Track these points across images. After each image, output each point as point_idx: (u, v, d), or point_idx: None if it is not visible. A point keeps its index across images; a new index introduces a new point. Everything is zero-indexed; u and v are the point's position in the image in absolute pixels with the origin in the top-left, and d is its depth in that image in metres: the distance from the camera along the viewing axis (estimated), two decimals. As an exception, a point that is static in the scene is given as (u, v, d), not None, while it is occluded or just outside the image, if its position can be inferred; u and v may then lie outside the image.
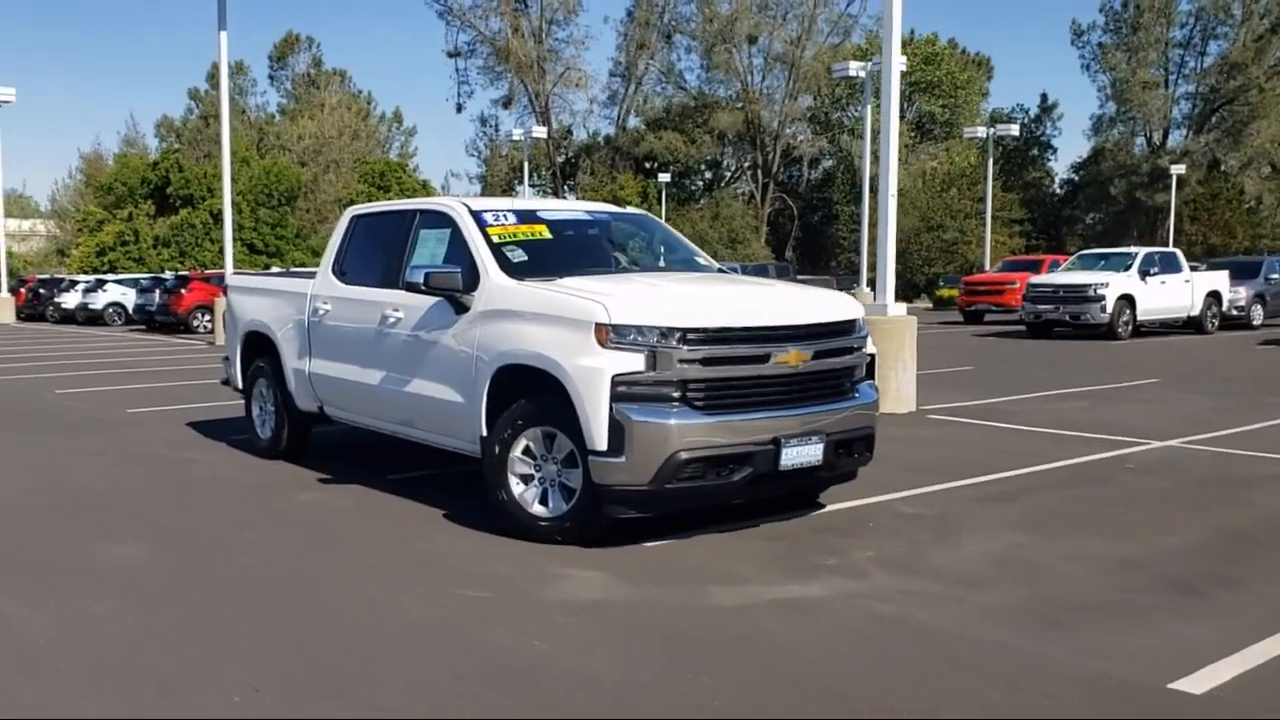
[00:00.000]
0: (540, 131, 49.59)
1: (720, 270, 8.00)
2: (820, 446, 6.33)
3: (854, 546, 6.33)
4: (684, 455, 5.90)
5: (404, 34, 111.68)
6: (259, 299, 9.52)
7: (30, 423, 11.84)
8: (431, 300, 7.19)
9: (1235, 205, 61.58)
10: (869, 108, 35.89)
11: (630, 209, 8.63)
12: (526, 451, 6.48)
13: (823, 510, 7.18)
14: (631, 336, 5.95)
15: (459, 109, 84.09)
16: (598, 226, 8.14)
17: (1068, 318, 24.56)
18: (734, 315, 6.19)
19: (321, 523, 7.07)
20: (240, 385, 9.88)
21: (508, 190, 72.37)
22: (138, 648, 4.77)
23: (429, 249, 7.66)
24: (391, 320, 7.62)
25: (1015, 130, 52.06)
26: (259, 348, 9.54)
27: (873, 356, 6.96)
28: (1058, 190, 73.73)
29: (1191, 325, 26.12)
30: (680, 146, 66.32)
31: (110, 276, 41.62)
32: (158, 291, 32.01)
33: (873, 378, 6.96)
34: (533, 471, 6.48)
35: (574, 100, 71.74)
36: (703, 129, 67.06)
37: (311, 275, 9.07)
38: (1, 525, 7.09)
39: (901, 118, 66.49)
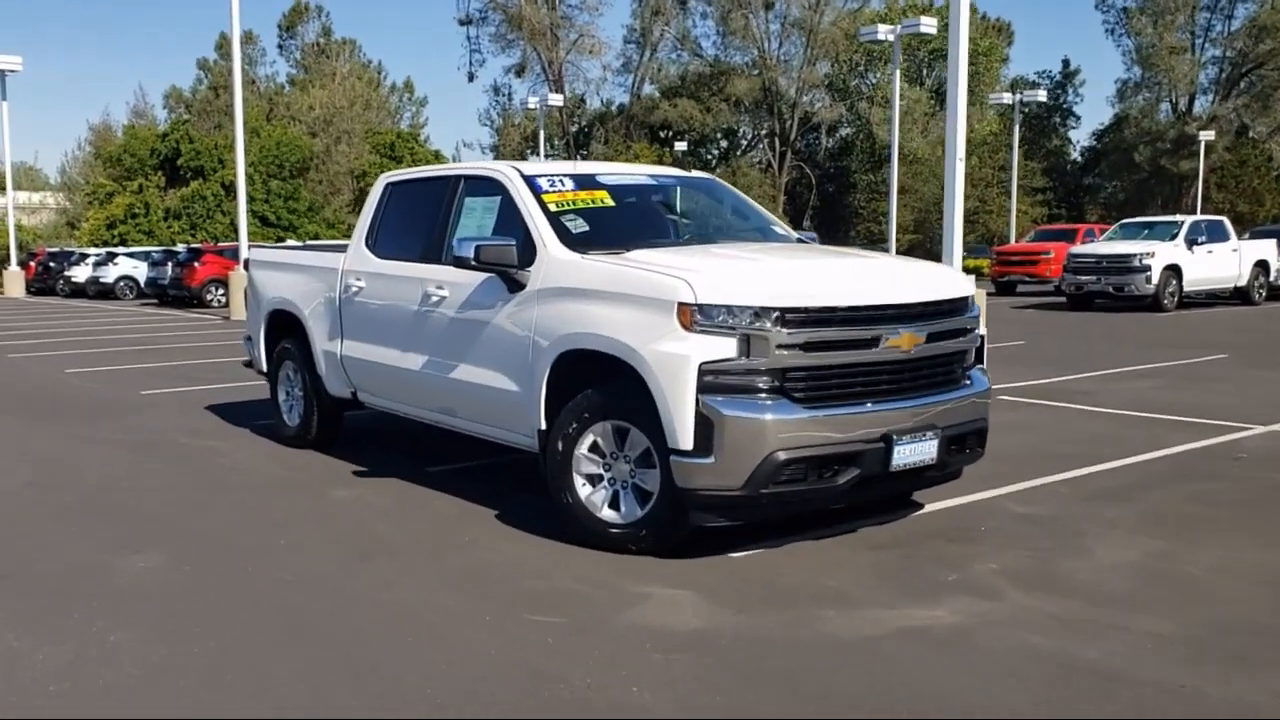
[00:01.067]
0: (556, 99, 48.57)
1: (800, 240, 7.20)
2: (934, 443, 5.54)
3: (972, 557, 5.56)
4: (782, 455, 5.12)
5: (414, 2, 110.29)
6: (284, 275, 8.74)
7: (39, 406, 11.11)
8: (480, 277, 6.41)
9: (1264, 172, 60.37)
10: (897, 72, 34.94)
11: (696, 173, 7.81)
12: (594, 449, 5.72)
13: (922, 511, 6.41)
14: (720, 318, 5.16)
15: (471, 78, 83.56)
16: (663, 192, 7.32)
17: (1111, 289, 23.66)
18: (838, 293, 5.39)
19: (362, 526, 6.32)
20: (264, 368, 9.13)
21: (521, 160, 71.39)
22: (162, 690, 4.02)
23: (475, 219, 6.88)
24: (434, 299, 6.84)
25: (1042, 96, 50.93)
26: (285, 328, 8.78)
27: (983, 338, 6.16)
28: (1078, 158, 72.48)
29: (1238, 296, 25.21)
30: (696, 115, 65.28)
31: (121, 249, 40.92)
32: (170, 265, 31.29)
33: (982, 361, 6.16)
34: (601, 471, 5.72)
35: (588, 68, 70.86)
36: (719, 97, 65.97)
37: (341, 249, 8.30)
38: (7, 529, 6.36)
39: (920, 84, 65.73)
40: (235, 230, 51.67)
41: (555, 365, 5.86)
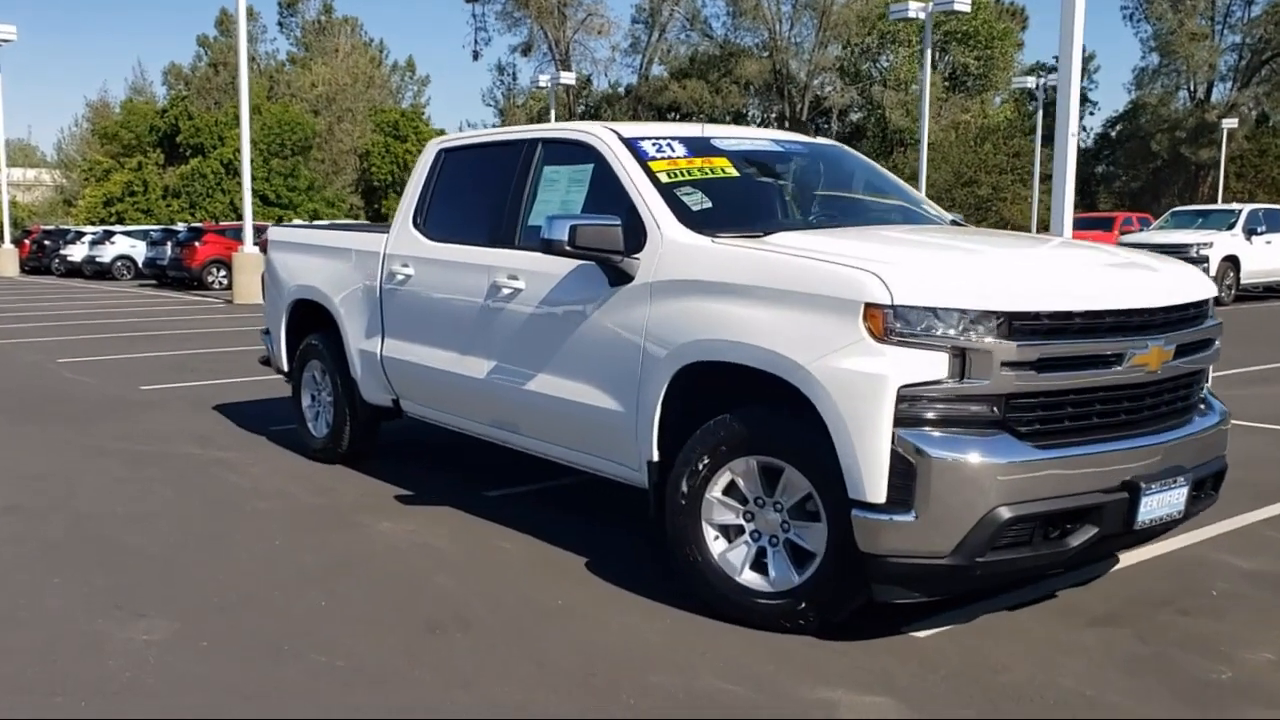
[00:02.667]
0: (568, 77, 47.03)
1: (955, 223, 5.88)
2: (1184, 489, 4.23)
3: (1229, 639, 4.25)
4: (1006, 511, 3.82)
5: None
6: (312, 259, 7.40)
7: (25, 405, 9.78)
8: (570, 265, 5.10)
9: (1284, 161, 59.03)
10: (928, 51, 33.55)
11: (821, 139, 6.47)
12: (731, 492, 4.41)
13: (1120, 565, 5.10)
14: (925, 325, 3.85)
15: (475, 56, 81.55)
16: (792, 161, 5.97)
17: (1166, 280, 22.30)
18: (1074, 293, 4.06)
19: (420, 578, 5.01)
20: (285, 367, 7.81)
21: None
22: None
23: (557, 194, 5.56)
24: (506, 291, 5.53)
25: (1067, 80, 49.43)
26: (311, 321, 7.46)
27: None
28: (1090, 145, 71.03)
29: (1296, 289, 23.96)
30: (705, 96, 63.83)
31: (118, 228, 39.53)
32: (169, 244, 29.83)
33: (1209, 380, 4.85)
34: (741, 522, 4.41)
35: (595, 48, 69.74)
36: (728, 78, 64.58)
37: (382, 229, 6.98)
38: (-28, 577, 5.06)
39: (934, 68, 64.17)
40: (235, 209, 50.73)
41: (675, 381, 4.56)
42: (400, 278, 6.41)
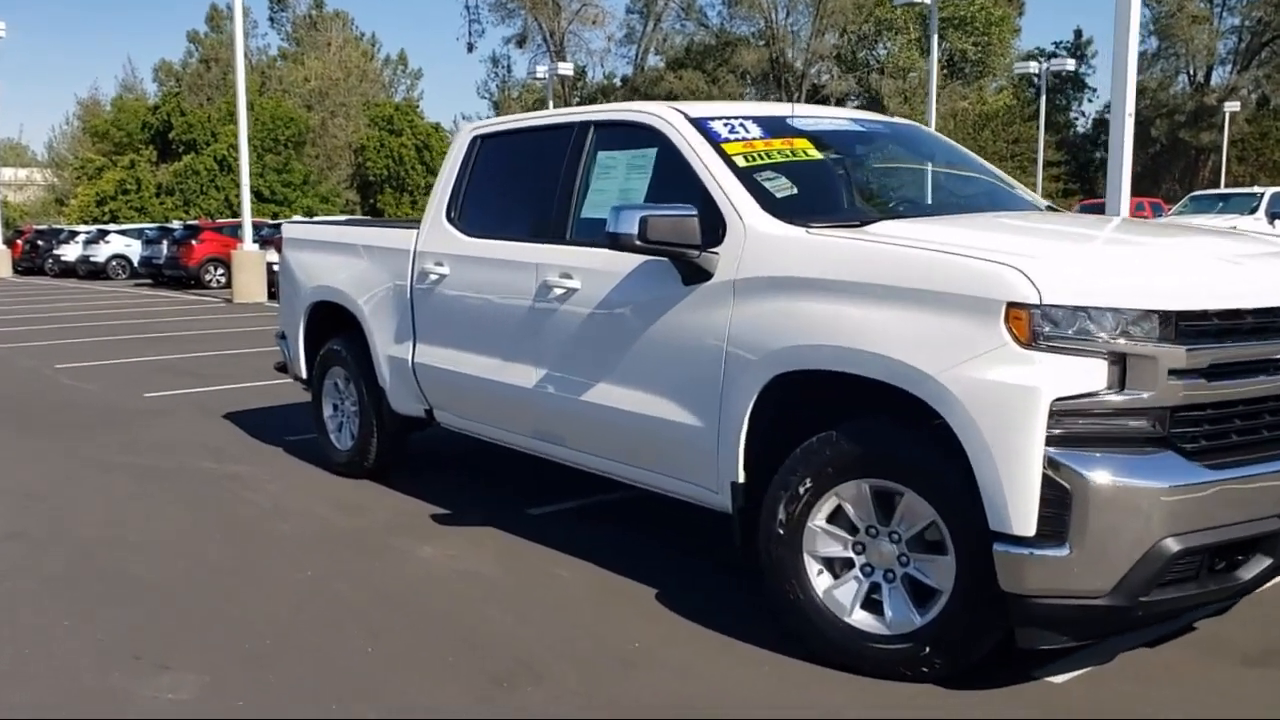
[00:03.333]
0: (566, 68, 46.40)
1: (1051, 208, 5.33)
2: (1361, 512, 3.71)
3: None
4: (1175, 544, 3.29)
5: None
6: (333, 257, 6.85)
7: (22, 416, 9.22)
8: (634, 262, 4.56)
9: (1285, 144, 58.58)
10: (934, 38, 33.04)
11: (899, 118, 5.92)
12: (837, 519, 3.87)
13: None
14: (1077, 328, 3.31)
15: (470, 48, 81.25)
16: (874, 142, 5.41)
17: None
18: (1240, 289, 3.53)
19: (473, 614, 4.46)
20: (304, 374, 7.26)
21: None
22: None
23: (614, 182, 5.01)
24: (558, 291, 4.98)
25: (1071, 65, 48.94)
26: (333, 324, 6.91)
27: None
28: (1088, 130, 70.43)
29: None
30: (702, 86, 63.17)
31: (113, 227, 38.86)
32: (165, 243, 29.20)
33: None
34: (850, 554, 3.87)
35: (590, 38, 68.88)
36: (725, 68, 64.05)
37: (411, 225, 6.42)
38: (-29, 620, 4.51)
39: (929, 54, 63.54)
40: (230, 206, 50.05)
41: (765, 392, 4.02)
42: (434, 277, 5.86)
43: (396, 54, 71.99)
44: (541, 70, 46.20)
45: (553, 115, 5.67)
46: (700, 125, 4.70)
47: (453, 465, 7.12)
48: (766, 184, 4.43)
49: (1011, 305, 3.33)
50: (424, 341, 6.01)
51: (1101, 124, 70.20)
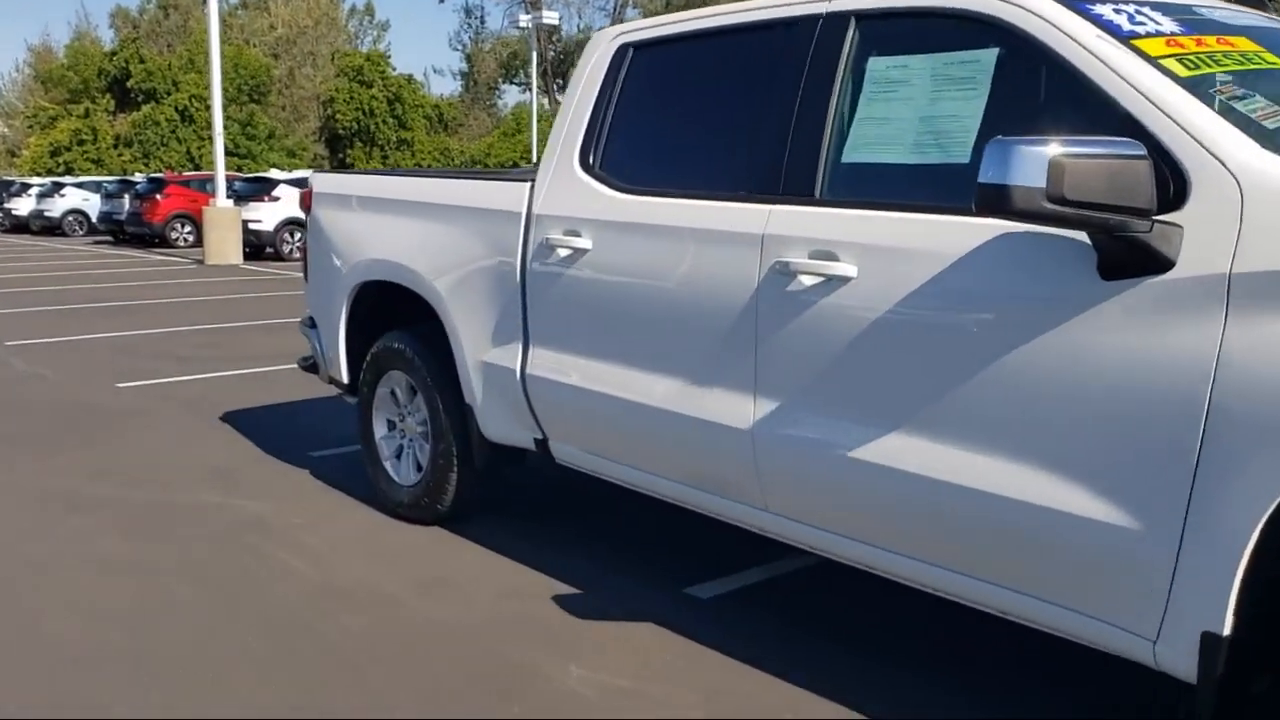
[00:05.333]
0: (551, 17, 43.89)
1: None
2: None
3: None
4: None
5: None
6: (394, 220, 4.90)
7: (-38, 416, 7.24)
8: (980, 236, 2.73)
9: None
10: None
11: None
12: None
13: None
14: None
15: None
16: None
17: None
18: None
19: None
20: (345, 378, 5.34)
21: (493, 91, 66.61)
22: None
23: (911, 108, 3.09)
24: (811, 281, 3.10)
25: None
26: (389, 313, 5.01)
27: None
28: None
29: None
30: (685, 41, 60.94)
31: (68, 179, 36.43)
32: (127, 197, 26.91)
33: None
34: None
35: (567, -12, 65.98)
36: (709, 21, 61.77)
37: (515, 175, 4.52)
38: None
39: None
40: (192, 158, 47.45)
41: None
42: (563, 253, 3.95)
43: (363, 4, 69.14)
44: (525, 20, 43.78)
45: (761, 8, 3.72)
46: (1085, 11, 2.81)
47: (548, 505, 5.26)
48: (1240, 107, 2.57)
49: None
50: (542, 344, 4.12)
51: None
